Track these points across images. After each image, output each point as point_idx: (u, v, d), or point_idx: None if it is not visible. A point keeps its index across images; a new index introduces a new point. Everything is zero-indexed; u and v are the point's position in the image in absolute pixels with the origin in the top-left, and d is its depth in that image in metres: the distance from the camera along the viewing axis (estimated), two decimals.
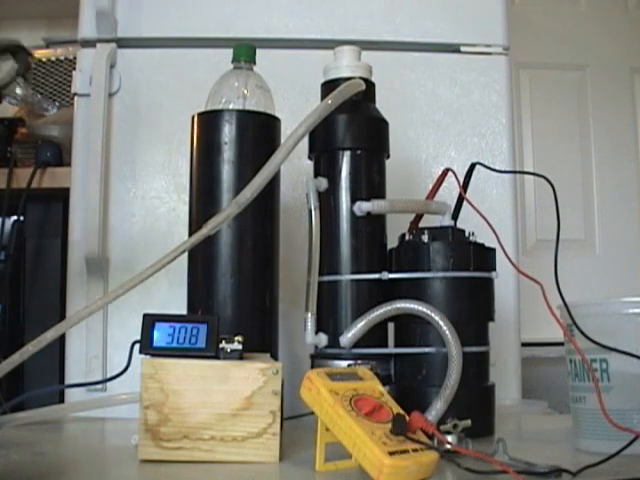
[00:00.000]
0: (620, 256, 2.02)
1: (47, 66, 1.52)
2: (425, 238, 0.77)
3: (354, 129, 0.82)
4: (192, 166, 0.84)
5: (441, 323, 0.71)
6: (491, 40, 1.13)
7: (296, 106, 1.03)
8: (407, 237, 0.80)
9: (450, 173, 0.82)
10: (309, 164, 0.86)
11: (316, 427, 0.58)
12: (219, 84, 0.86)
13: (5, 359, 0.69)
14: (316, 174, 0.83)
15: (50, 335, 0.68)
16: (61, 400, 0.99)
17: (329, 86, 0.83)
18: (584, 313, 0.67)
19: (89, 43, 1.09)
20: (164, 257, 0.72)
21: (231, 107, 0.84)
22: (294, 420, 0.79)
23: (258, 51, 0.87)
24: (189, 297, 0.83)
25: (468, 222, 0.80)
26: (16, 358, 0.68)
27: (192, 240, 0.71)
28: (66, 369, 1.03)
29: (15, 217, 1.22)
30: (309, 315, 0.78)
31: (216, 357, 0.63)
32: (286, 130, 0.83)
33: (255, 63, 0.87)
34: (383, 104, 0.86)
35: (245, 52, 0.86)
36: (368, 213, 0.80)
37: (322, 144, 0.83)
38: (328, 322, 0.80)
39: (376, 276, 0.79)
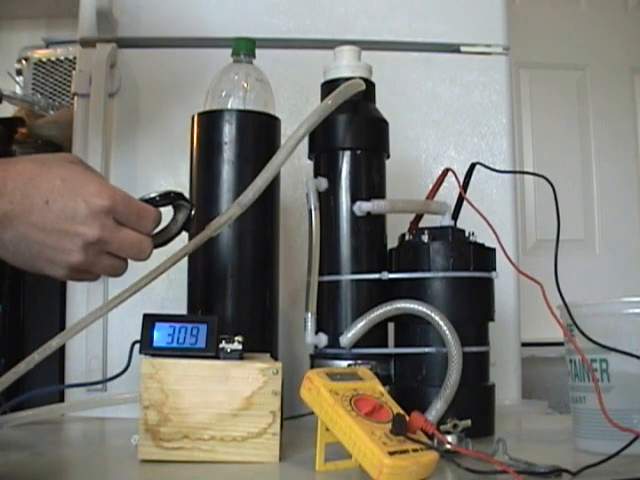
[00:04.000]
0: (620, 256, 2.02)
1: (47, 66, 1.52)
2: (425, 238, 0.77)
3: (354, 129, 0.82)
4: (192, 166, 0.84)
5: (441, 323, 0.71)
6: (491, 40, 1.13)
7: (296, 106, 1.04)
8: (407, 237, 0.80)
9: (450, 173, 0.82)
10: (309, 164, 0.86)
11: (316, 427, 0.58)
12: (219, 78, 0.86)
13: (5, 359, 0.69)
14: (316, 174, 0.83)
15: (55, 343, 0.68)
16: (61, 400, 0.99)
17: (329, 86, 0.83)
18: (584, 313, 0.67)
19: (89, 43, 1.09)
20: (166, 260, 0.72)
21: (231, 100, 0.84)
22: (294, 420, 0.79)
23: (258, 51, 0.87)
24: (189, 297, 0.83)
25: (468, 222, 0.80)
26: (22, 367, 0.68)
27: (195, 242, 0.71)
28: (66, 369, 1.03)
29: None
30: (309, 315, 0.78)
31: (216, 357, 0.63)
32: (286, 130, 0.84)
33: (255, 57, 0.87)
34: (383, 104, 0.86)
35: (245, 46, 0.86)
36: (368, 213, 0.80)
37: (322, 144, 0.83)
38: (328, 322, 0.80)
39: (376, 276, 0.79)
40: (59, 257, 0.61)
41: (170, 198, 0.69)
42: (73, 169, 0.62)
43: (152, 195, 0.67)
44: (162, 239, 0.69)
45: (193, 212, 0.70)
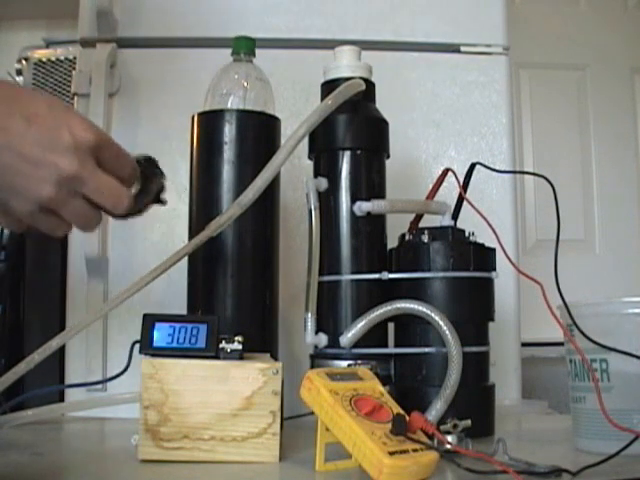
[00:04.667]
0: (620, 256, 2.02)
1: (47, 66, 1.52)
2: (425, 238, 0.77)
3: (354, 129, 0.82)
4: (192, 166, 0.84)
5: (441, 323, 0.71)
6: (491, 40, 1.13)
7: (296, 106, 1.04)
8: (407, 237, 0.80)
9: (450, 173, 0.82)
10: (309, 164, 0.86)
11: (316, 427, 0.58)
12: (219, 76, 0.86)
13: (5, 359, 0.69)
14: (316, 174, 0.83)
15: (55, 343, 0.68)
16: (61, 400, 0.99)
17: (329, 86, 0.83)
18: (584, 313, 0.67)
19: (89, 43, 1.09)
20: (166, 260, 0.72)
21: (231, 99, 0.84)
22: (294, 420, 0.79)
23: (258, 51, 0.87)
24: (189, 297, 0.83)
25: (468, 222, 0.80)
26: (22, 367, 0.68)
27: (194, 242, 0.71)
28: (66, 369, 1.03)
29: None
30: (309, 315, 0.78)
31: (216, 357, 0.63)
32: (286, 130, 0.84)
33: (255, 55, 0.87)
34: (383, 104, 0.86)
35: (245, 45, 0.86)
36: (368, 213, 0.80)
37: (322, 144, 0.83)
38: (328, 322, 0.80)
39: (376, 276, 0.79)
40: (30, 187, 0.56)
41: (148, 163, 0.66)
42: (60, 102, 0.59)
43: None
44: (136, 206, 0.65)
45: (165, 183, 0.67)
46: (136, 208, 0.65)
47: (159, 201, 0.68)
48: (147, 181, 0.66)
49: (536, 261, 1.12)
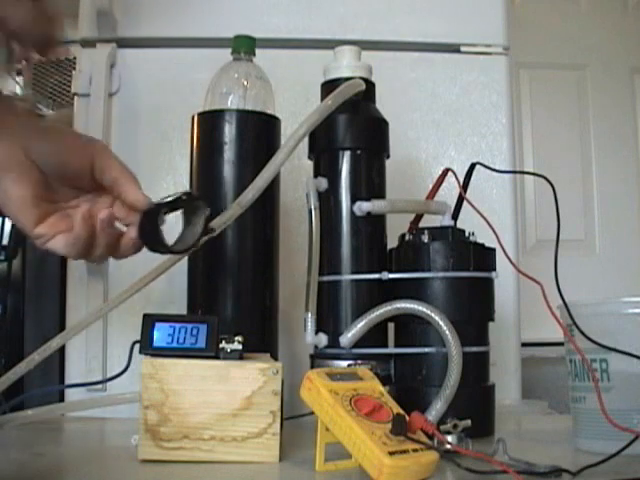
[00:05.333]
0: (620, 256, 2.02)
1: (47, 66, 1.52)
2: (425, 238, 0.77)
3: (354, 129, 0.82)
4: (192, 166, 0.84)
5: (441, 323, 0.71)
6: (491, 40, 1.13)
7: (296, 106, 1.03)
8: (407, 237, 0.80)
9: (450, 173, 0.82)
10: (309, 164, 0.86)
11: (316, 427, 0.58)
12: (219, 75, 0.86)
13: (5, 359, 0.69)
14: (316, 174, 0.83)
15: (55, 343, 0.69)
16: (61, 400, 0.99)
17: (329, 86, 0.83)
18: (584, 313, 0.67)
19: (89, 43, 1.09)
20: (166, 260, 0.72)
21: (231, 98, 0.84)
22: (294, 420, 0.79)
23: (258, 51, 0.87)
24: (189, 297, 0.83)
25: (468, 222, 0.80)
26: (22, 367, 0.69)
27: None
28: (66, 369, 1.03)
29: None
30: (309, 315, 0.78)
31: (216, 357, 0.63)
32: (286, 130, 0.84)
33: (255, 54, 0.87)
34: (383, 104, 0.86)
35: (245, 43, 0.86)
36: (368, 213, 0.80)
37: (322, 144, 0.83)
38: (328, 322, 0.80)
39: (376, 276, 0.79)
40: None
41: (189, 197, 0.66)
42: None
43: (168, 199, 0.64)
44: (185, 245, 0.66)
45: (208, 212, 0.67)
46: (190, 243, 0.67)
47: (208, 231, 0.68)
48: (193, 215, 0.66)
49: (536, 261, 1.11)
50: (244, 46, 0.86)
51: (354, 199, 0.81)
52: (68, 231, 0.62)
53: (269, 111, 0.85)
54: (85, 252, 0.62)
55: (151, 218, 0.63)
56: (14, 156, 0.59)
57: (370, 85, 0.84)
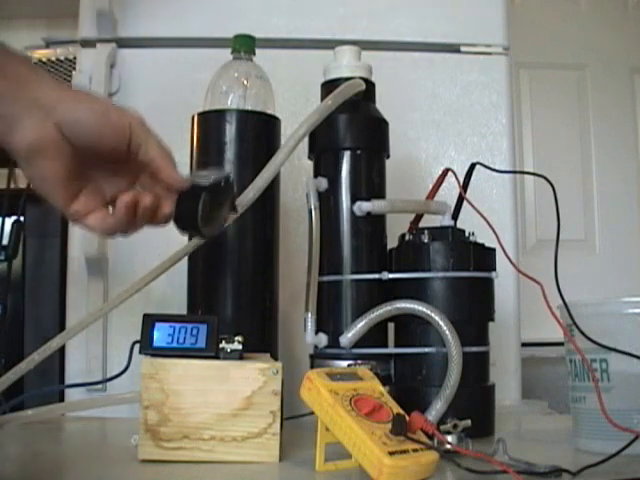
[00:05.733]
0: (620, 256, 2.02)
1: (47, 66, 1.52)
2: (425, 238, 0.77)
3: (354, 129, 0.82)
4: (192, 166, 0.84)
5: (441, 323, 0.71)
6: (491, 40, 1.13)
7: (296, 106, 1.03)
8: (407, 237, 0.80)
9: (450, 173, 0.82)
10: (309, 164, 0.86)
11: (316, 427, 0.58)
12: (219, 74, 0.86)
13: (5, 359, 0.69)
14: (316, 174, 0.83)
15: (55, 343, 0.69)
16: (61, 400, 0.99)
17: (329, 86, 0.83)
18: (584, 313, 0.67)
19: (89, 43, 1.09)
20: (167, 260, 0.72)
21: (231, 97, 0.84)
22: (294, 420, 0.79)
23: (258, 52, 0.87)
24: (189, 297, 0.83)
25: (468, 222, 0.80)
26: (22, 367, 0.68)
27: (194, 242, 0.71)
28: (66, 369, 1.03)
29: (15, 217, 1.22)
30: (309, 315, 0.78)
31: (216, 357, 0.63)
32: (286, 130, 0.84)
33: (254, 54, 0.87)
34: (383, 104, 0.86)
35: (245, 43, 0.86)
36: (368, 213, 0.80)
37: (322, 144, 0.83)
38: (328, 322, 0.80)
39: (376, 276, 0.79)
40: None
41: (225, 186, 0.64)
42: (65, 86, 0.61)
43: (206, 181, 0.63)
44: (215, 228, 0.65)
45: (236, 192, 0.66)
46: (219, 226, 0.66)
47: (234, 210, 0.68)
48: (221, 196, 0.65)
49: (536, 261, 1.11)
50: (244, 45, 0.86)
51: (354, 199, 0.81)
52: (101, 208, 0.60)
53: (269, 110, 0.85)
54: (121, 233, 0.62)
55: (189, 201, 0.61)
56: (47, 134, 0.56)
57: (370, 85, 0.84)
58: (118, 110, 0.60)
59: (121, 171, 0.62)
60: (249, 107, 0.85)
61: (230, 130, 0.81)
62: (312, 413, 0.58)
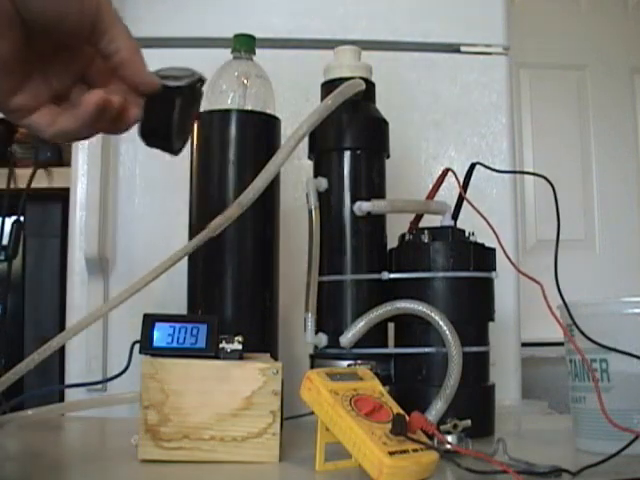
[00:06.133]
0: (620, 256, 2.02)
1: None
2: (425, 238, 0.77)
3: (354, 129, 0.82)
4: (192, 166, 0.84)
5: (441, 323, 0.71)
6: (491, 40, 1.13)
7: (296, 106, 1.03)
8: (407, 237, 0.80)
9: (450, 173, 0.82)
10: (309, 164, 0.86)
11: (316, 427, 0.58)
12: (219, 74, 0.86)
13: (5, 359, 0.68)
14: (316, 174, 0.83)
15: (55, 343, 0.68)
16: (61, 400, 0.99)
17: (329, 86, 0.83)
18: (584, 313, 0.67)
19: None
20: (167, 260, 0.72)
21: (231, 97, 0.84)
22: (294, 420, 0.79)
23: (258, 51, 0.87)
24: (189, 297, 0.83)
25: (468, 222, 0.80)
26: (22, 367, 0.68)
27: (194, 242, 0.71)
28: (66, 369, 1.03)
29: (15, 217, 1.23)
30: (309, 315, 0.78)
31: (216, 357, 0.63)
32: (286, 130, 0.84)
33: (255, 53, 0.87)
34: (383, 104, 0.86)
35: (245, 42, 0.86)
36: (368, 213, 0.80)
37: (322, 144, 0.83)
38: (328, 322, 0.80)
39: (376, 276, 0.79)
40: None
41: (199, 87, 0.55)
42: None
43: (177, 82, 0.53)
44: (183, 135, 0.56)
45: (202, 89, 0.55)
46: (187, 133, 0.57)
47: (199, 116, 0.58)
48: (190, 99, 0.56)
49: (536, 261, 1.12)
50: (244, 45, 0.86)
51: (354, 199, 0.81)
52: (49, 105, 0.50)
53: (269, 110, 0.85)
54: (74, 137, 0.52)
55: (161, 107, 0.52)
56: None
57: (370, 85, 0.84)
58: None
59: (73, 61, 0.52)
60: (249, 106, 0.85)
61: (230, 130, 0.81)
62: (312, 413, 0.58)
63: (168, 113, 0.52)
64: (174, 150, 0.56)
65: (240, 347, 0.64)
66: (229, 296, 0.80)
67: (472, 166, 0.82)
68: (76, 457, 0.70)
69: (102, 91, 0.50)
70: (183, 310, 0.83)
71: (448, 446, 0.58)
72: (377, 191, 0.83)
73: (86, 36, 0.49)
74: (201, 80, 0.55)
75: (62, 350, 1.03)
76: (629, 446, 0.59)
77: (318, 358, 0.80)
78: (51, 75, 0.51)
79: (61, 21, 0.47)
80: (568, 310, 0.67)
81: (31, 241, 1.26)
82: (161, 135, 0.54)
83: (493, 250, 0.79)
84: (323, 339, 0.79)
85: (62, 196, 1.17)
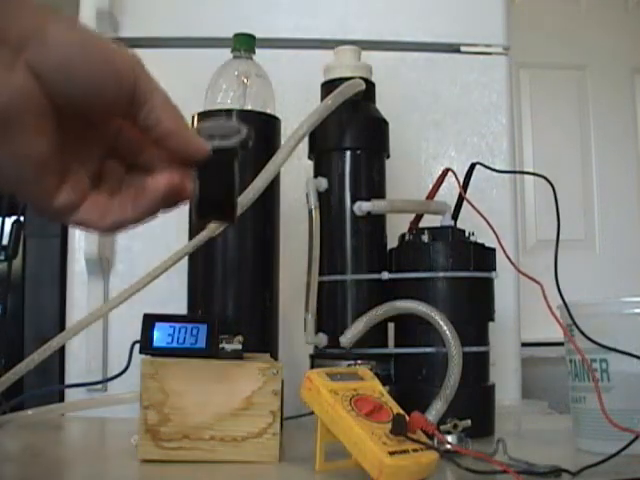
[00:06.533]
0: (620, 256, 2.02)
1: None
2: (425, 238, 0.77)
3: (354, 129, 0.82)
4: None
5: (441, 323, 0.71)
6: (491, 40, 1.13)
7: (296, 106, 1.03)
8: (407, 237, 0.80)
9: (450, 173, 0.82)
10: (309, 164, 0.86)
11: (316, 427, 0.58)
12: (219, 73, 0.86)
13: (5, 359, 0.68)
14: (316, 174, 0.83)
15: (55, 343, 0.68)
16: (61, 400, 0.99)
17: (329, 86, 0.83)
18: (584, 313, 0.67)
19: None
20: (167, 260, 0.72)
21: (231, 96, 0.84)
22: (294, 420, 0.79)
23: (258, 51, 0.87)
24: (189, 297, 0.83)
25: (468, 222, 0.80)
26: (22, 367, 0.68)
27: (194, 242, 0.71)
28: (66, 369, 1.03)
29: (15, 217, 1.22)
30: (309, 315, 0.78)
31: (216, 357, 0.63)
32: (286, 130, 0.84)
33: (254, 52, 0.87)
34: (383, 104, 0.86)
35: (245, 41, 0.86)
36: (368, 213, 0.80)
37: (322, 144, 0.83)
38: (328, 322, 0.80)
39: (376, 276, 0.79)
40: None
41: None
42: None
43: (228, 141, 0.46)
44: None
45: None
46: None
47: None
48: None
49: (536, 261, 1.11)
50: (244, 44, 0.86)
51: (354, 199, 0.81)
52: (92, 194, 0.43)
53: (269, 109, 0.85)
54: (135, 224, 0.45)
55: (217, 173, 0.45)
56: (18, 88, 0.37)
57: (370, 85, 0.84)
58: (119, 47, 0.41)
59: (102, 137, 0.44)
60: (249, 105, 0.84)
61: None
62: (312, 413, 0.58)
63: (227, 179, 0.45)
64: (235, 219, 0.48)
65: (240, 347, 0.64)
66: (229, 296, 0.80)
67: (472, 166, 0.82)
68: (76, 457, 0.70)
69: (167, 174, 0.44)
70: (183, 310, 0.83)
71: (448, 446, 0.58)
72: (377, 191, 0.83)
73: (123, 111, 0.41)
74: (250, 135, 0.48)
75: (62, 350, 1.03)
76: (629, 446, 0.59)
77: (318, 358, 0.80)
78: (84, 159, 0.43)
79: (97, 99, 0.40)
80: (568, 310, 0.67)
81: (31, 241, 1.26)
82: (222, 205, 0.46)
83: (493, 250, 0.79)
84: (323, 339, 0.79)
85: None
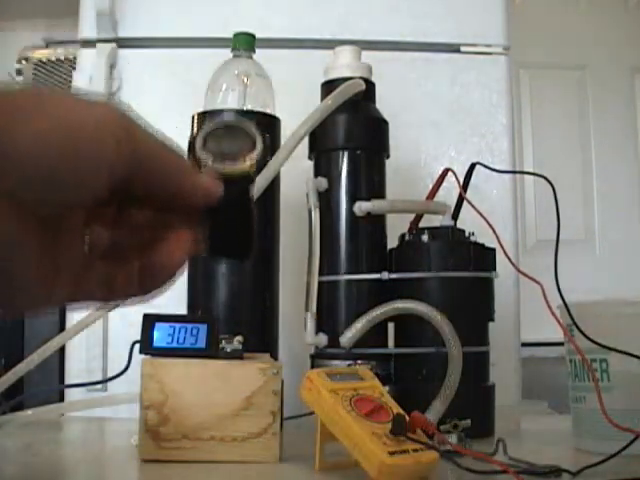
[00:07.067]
0: (620, 256, 2.02)
1: (47, 66, 1.52)
2: (425, 238, 0.77)
3: (354, 129, 0.82)
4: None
5: (441, 323, 0.71)
6: (491, 40, 1.13)
7: (296, 106, 1.03)
8: (407, 237, 0.80)
9: (450, 173, 0.82)
10: (309, 164, 0.86)
11: (316, 427, 0.58)
12: (219, 72, 0.86)
13: (5, 359, 0.68)
14: (316, 174, 0.83)
15: (55, 343, 0.68)
16: (61, 400, 0.99)
17: (329, 86, 0.83)
18: (584, 313, 0.67)
19: (89, 43, 1.09)
20: None
21: (231, 95, 0.84)
22: (294, 420, 0.79)
23: (258, 51, 0.87)
24: (189, 297, 0.83)
25: (468, 222, 0.80)
26: (22, 367, 0.68)
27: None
28: (66, 369, 1.03)
29: None
30: (309, 315, 0.78)
31: (216, 357, 0.63)
32: (286, 130, 0.84)
33: (254, 52, 0.87)
34: (383, 104, 0.86)
35: (244, 40, 0.86)
36: (368, 213, 0.80)
37: (322, 144, 0.83)
38: (328, 322, 0.80)
39: (376, 276, 0.79)
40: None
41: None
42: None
43: (242, 165, 0.39)
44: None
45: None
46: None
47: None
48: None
49: (536, 261, 1.11)
50: (244, 43, 0.86)
51: (354, 199, 0.81)
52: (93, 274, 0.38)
53: (269, 109, 0.85)
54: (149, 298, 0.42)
55: (233, 204, 0.38)
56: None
57: (370, 85, 0.84)
58: (93, 115, 0.35)
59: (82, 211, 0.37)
60: (249, 105, 0.84)
61: None
62: (312, 413, 0.58)
63: (242, 214, 0.39)
64: (250, 257, 0.42)
65: (240, 347, 0.64)
66: (229, 296, 0.80)
67: (472, 166, 0.82)
68: (76, 457, 0.70)
69: (177, 250, 0.39)
70: (183, 310, 0.83)
71: (448, 446, 0.58)
72: (377, 191, 0.83)
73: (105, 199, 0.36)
74: (267, 144, 0.42)
75: (62, 350, 1.03)
76: (629, 446, 0.59)
77: (318, 358, 0.80)
78: (67, 240, 0.36)
79: (75, 189, 0.34)
80: (568, 310, 0.67)
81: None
82: (236, 244, 0.41)
83: (493, 250, 0.79)
84: (323, 339, 0.79)
85: None
